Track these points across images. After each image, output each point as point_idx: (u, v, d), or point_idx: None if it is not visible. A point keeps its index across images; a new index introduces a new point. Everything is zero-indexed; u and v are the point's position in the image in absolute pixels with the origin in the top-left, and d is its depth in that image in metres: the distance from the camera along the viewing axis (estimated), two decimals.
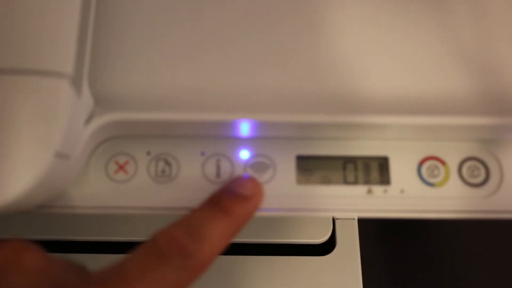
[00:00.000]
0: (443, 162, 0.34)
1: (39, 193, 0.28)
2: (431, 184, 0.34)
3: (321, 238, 0.50)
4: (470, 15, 0.36)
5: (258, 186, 0.31)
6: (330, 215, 0.48)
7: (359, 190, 0.34)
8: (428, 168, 0.34)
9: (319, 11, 0.35)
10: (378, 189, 0.34)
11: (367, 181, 0.34)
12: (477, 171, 0.34)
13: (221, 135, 0.33)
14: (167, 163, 0.33)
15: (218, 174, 0.33)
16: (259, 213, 0.32)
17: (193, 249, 0.27)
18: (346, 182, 0.34)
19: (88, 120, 0.30)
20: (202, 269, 0.27)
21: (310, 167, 0.34)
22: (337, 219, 0.51)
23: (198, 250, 0.27)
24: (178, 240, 0.27)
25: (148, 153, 0.33)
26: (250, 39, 0.34)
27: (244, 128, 0.32)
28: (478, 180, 0.34)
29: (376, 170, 0.34)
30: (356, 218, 0.51)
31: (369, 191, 0.33)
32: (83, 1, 0.30)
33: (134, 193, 0.33)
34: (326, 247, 0.50)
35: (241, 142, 0.34)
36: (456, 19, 0.35)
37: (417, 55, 0.34)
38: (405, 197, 0.33)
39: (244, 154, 0.34)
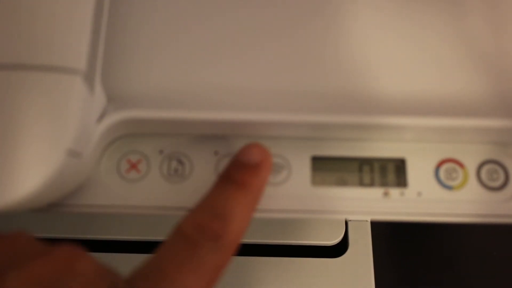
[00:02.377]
0: (461, 165, 0.33)
1: (50, 191, 0.28)
2: (449, 187, 0.33)
3: (334, 240, 0.50)
4: (490, 17, 0.35)
5: (264, 151, 0.31)
6: (346, 217, 0.47)
7: (375, 192, 0.33)
8: (446, 170, 0.33)
9: (339, 12, 0.35)
10: (394, 192, 0.33)
11: (384, 183, 0.33)
12: (496, 175, 0.33)
13: (235, 135, 0.33)
14: (180, 162, 0.33)
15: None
16: (273, 215, 0.31)
17: (222, 229, 0.27)
18: (362, 184, 0.33)
19: (101, 117, 0.30)
20: (235, 245, 0.28)
21: (326, 168, 0.33)
22: (350, 220, 0.50)
23: (226, 228, 0.27)
24: (204, 224, 0.27)
25: (161, 152, 0.33)
26: (267, 39, 0.34)
27: (259, 128, 0.32)
28: (497, 183, 0.33)
29: (393, 172, 0.33)
30: (369, 220, 0.51)
31: (386, 194, 0.33)
32: None
33: (146, 192, 0.32)
34: (339, 249, 0.49)
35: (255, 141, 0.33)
36: (476, 20, 0.35)
37: (437, 56, 0.34)
38: (422, 200, 0.33)
39: None
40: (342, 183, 0.33)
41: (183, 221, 0.28)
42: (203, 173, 0.33)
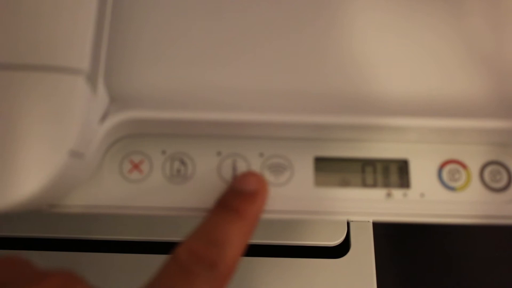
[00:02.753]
0: (464, 166, 0.33)
1: (52, 192, 0.28)
2: (452, 188, 0.33)
3: (335, 240, 0.49)
4: (493, 17, 0.35)
5: (261, 179, 0.31)
6: (349, 218, 0.47)
7: (378, 193, 0.33)
8: (449, 171, 0.33)
9: (341, 12, 0.35)
10: (397, 193, 0.33)
11: (386, 184, 0.33)
12: (499, 176, 0.33)
13: (237, 135, 0.33)
14: (183, 162, 0.33)
15: (234, 175, 0.32)
16: (276, 216, 0.31)
17: (216, 257, 0.27)
18: (364, 184, 0.33)
19: (103, 118, 0.30)
20: (230, 274, 0.27)
21: (328, 169, 0.33)
22: (352, 221, 0.50)
23: (221, 257, 0.27)
24: (199, 251, 0.27)
25: (163, 152, 0.33)
26: (271, 40, 0.34)
27: (262, 129, 0.32)
28: (500, 184, 0.33)
29: (396, 173, 0.33)
30: (371, 221, 0.51)
31: (388, 195, 0.33)
32: None
33: (149, 193, 0.32)
34: (341, 250, 0.49)
35: (258, 142, 0.33)
36: (479, 21, 0.35)
37: (440, 57, 0.34)
38: (425, 201, 0.33)
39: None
40: (345, 184, 0.33)
41: (178, 248, 0.27)
42: (205, 174, 0.33)
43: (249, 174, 0.31)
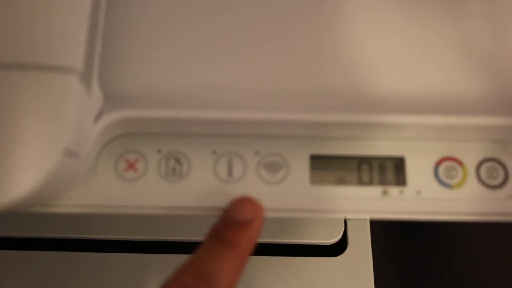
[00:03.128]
0: (460, 163, 0.33)
1: (47, 191, 0.27)
2: (448, 186, 0.33)
3: (333, 238, 0.49)
4: (490, 15, 0.35)
5: (256, 206, 0.30)
6: (345, 216, 0.47)
7: (374, 191, 0.33)
8: (445, 169, 0.33)
9: (336, 10, 0.35)
10: (393, 190, 0.33)
11: (383, 182, 0.33)
12: (496, 173, 0.33)
13: (233, 134, 0.33)
14: (178, 161, 0.33)
15: (230, 173, 0.32)
16: (271, 214, 0.31)
17: None
18: (361, 182, 0.33)
19: (98, 117, 0.30)
20: None
21: (324, 166, 0.33)
22: (349, 219, 0.50)
23: None
24: (189, 285, 0.26)
25: (159, 151, 0.33)
26: (265, 37, 0.34)
27: (257, 127, 0.31)
28: (497, 181, 0.33)
29: (392, 170, 0.33)
30: (368, 219, 0.51)
31: (385, 192, 0.33)
32: None
33: (144, 192, 0.32)
34: (338, 248, 0.49)
35: (253, 140, 0.33)
36: (475, 18, 0.35)
37: (436, 54, 0.34)
38: (421, 199, 0.33)
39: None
40: (341, 181, 0.33)
41: (168, 281, 0.27)
42: (201, 173, 0.32)
43: (245, 201, 0.30)
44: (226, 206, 0.31)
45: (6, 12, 0.28)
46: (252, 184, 0.32)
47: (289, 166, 0.33)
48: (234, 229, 0.29)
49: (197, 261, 0.28)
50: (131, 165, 0.33)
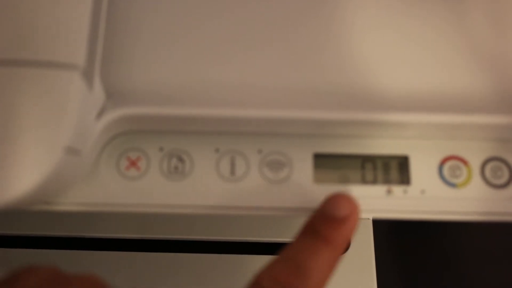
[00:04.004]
0: (465, 162, 0.33)
1: (49, 189, 0.27)
2: (452, 185, 0.33)
3: None
4: (494, 13, 0.35)
5: (353, 203, 0.29)
6: None
7: (378, 190, 0.33)
8: (450, 168, 0.33)
9: (340, 8, 0.35)
10: (397, 189, 0.33)
11: (387, 181, 0.33)
12: (501, 172, 0.33)
13: (236, 132, 0.33)
14: (180, 159, 0.32)
15: (232, 172, 0.32)
16: (274, 213, 0.31)
17: (301, 285, 0.25)
18: (364, 181, 0.33)
19: (100, 114, 0.30)
20: None
21: (328, 165, 0.33)
22: None
23: (305, 286, 0.26)
24: (283, 280, 0.26)
25: (161, 149, 0.33)
26: (268, 35, 0.34)
27: (261, 125, 0.31)
28: (502, 181, 0.33)
29: (396, 169, 0.33)
30: (371, 218, 0.50)
31: (389, 191, 0.33)
32: None
33: (146, 190, 0.32)
34: None
35: (256, 139, 0.33)
36: (480, 17, 0.35)
37: (440, 52, 0.34)
38: (426, 198, 0.32)
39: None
40: (345, 180, 0.33)
41: (260, 273, 0.26)
42: (203, 171, 0.32)
43: (341, 197, 0.29)
44: (320, 202, 0.30)
45: (8, 9, 0.28)
46: (255, 182, 0.32)
47: (292, 165, 0.33)
48: (331, 225, 0.28)
49: (291, 253, 0.27)
50: (133, 163, 0.32)
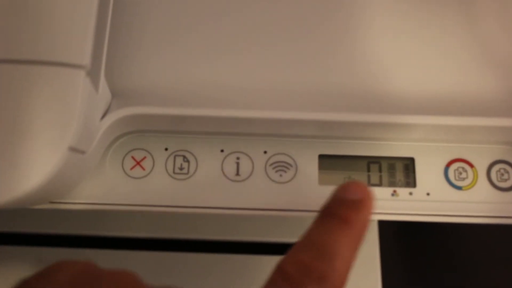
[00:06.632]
0: (471, 165, 0.33)
1: (53, 188, 0.27)
2: (458, 188, 0.33)
3: None
4: (503, 16, 0.35)
5: (365, 188, 0.29)
6: None
7: (384, 192, 0.33)
8: (456, 170, 0.33)
9: (349, 10, 0.34)
10: (403, 192, 0.32)
11: (392, 183, 0.33)
12: (507, 175, 0.33)
13: (241, 133, 0.33)
14: (186, 159, 0.32)
15: (237, 172, 0.32)
16: (279, 214, 0.31)
17: (327, 270, 0.25)
18: (370, 183, 0.33)
19: (105, 114, 0.30)
20: (341, 287, 0.25)
21: (333, 167, 0.33)
22: None
23: (331, 269, 0.25)
24: (307, 264, 0.25)
25: (166, 149, 0.33)
26: (275, 37, 0.34)
27: (266, 126, 0.31)
28: (508, 184, 0.33)
29: (401, 171, 0.33)
30: (376, 220, 0.50)
31: (394, 193, 0.32)
32: None
33: (151, 190, 0.32)
34: None
35: (261, 140, 0.33)
36: (488, 20, 0.35)
37: (447, 55, 0.34)
38: (431, 200, 0.32)
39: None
40: None
41: (284, 259, 0.26)
42: (208, 171, 0.32)
43: (353, 183, 0.29)
44: (332, 191, 0.29)
45: (14, 10, 0.28)
46: (260, 183, 0.32)
47: (298, 166, 0.33)
48: (346, 207, 0.27)
49: (312, 237, 0.27)
50: (138, 163, 0.32)
